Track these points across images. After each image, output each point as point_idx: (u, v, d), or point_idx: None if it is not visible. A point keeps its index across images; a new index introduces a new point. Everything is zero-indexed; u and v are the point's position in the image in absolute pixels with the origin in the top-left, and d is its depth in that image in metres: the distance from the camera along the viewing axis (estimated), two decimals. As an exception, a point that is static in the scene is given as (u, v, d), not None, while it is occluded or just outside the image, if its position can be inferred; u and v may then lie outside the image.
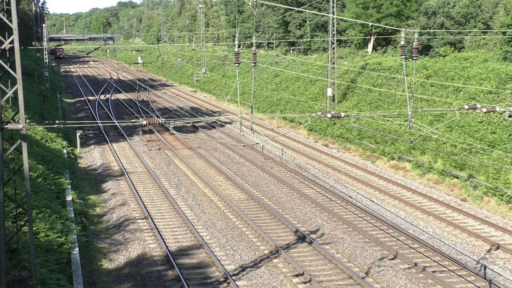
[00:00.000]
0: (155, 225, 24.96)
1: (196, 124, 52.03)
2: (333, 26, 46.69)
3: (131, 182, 32.17)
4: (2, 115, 13.85)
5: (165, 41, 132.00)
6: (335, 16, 46.18)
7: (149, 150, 41.71)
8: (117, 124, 40.62)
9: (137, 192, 30.05)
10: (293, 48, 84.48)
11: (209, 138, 46.64)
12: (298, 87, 58.47)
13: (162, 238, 23.34)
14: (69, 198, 26.25)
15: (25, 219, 18.00)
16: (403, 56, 23.14)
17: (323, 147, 42.13)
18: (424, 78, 41.27)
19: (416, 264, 20.74)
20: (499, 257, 21.97)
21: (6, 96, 14.04)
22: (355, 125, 25.54)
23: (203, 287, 19.21)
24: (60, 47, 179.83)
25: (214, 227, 25.10)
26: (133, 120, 15.83)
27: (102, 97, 77.03)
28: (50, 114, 52.30)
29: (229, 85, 74.00)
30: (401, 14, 63.66)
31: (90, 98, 75.49)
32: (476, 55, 45.63)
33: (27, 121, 34.52)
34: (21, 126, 13.75)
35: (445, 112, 35.49)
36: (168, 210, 27.49)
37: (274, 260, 21.37)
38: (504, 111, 18.89)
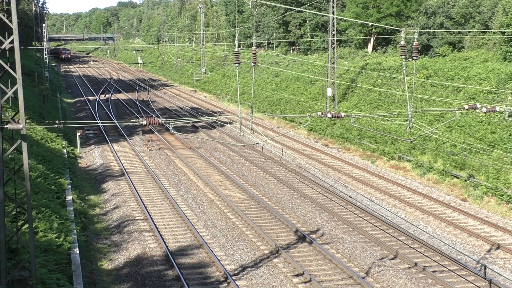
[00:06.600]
0: (155, 225, 24.96)
1: (196, 124, 52.03)
2: (333, 26, 46.69)
3: (131, 182, 32.17)
4: (2, 115, 13.85)
5: (165, 41, 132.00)
6: (335, 16, 46.16)
7: (149, 150, 41.71)
8: (117, 124, 40.56)
9: (137, 192, 30.05)
10: (293, 48, 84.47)
11: (209, 138, 46.63)
12: (298, 87, 58.45)
13: (162, 238, 23.34)
14: (69, 198, 26.26)
15: (24, 218, 18.01)
16: (403, 56, 23.13)
17: (323, 147, 42.12)
18: (424, 78, 41.25)
19: (416, 264, 20.74)
20: (499, 257, 21.97)
21: (6, 96, 14.05)
22: (355, 125, 25.50)
23: (203, 287, 19.22)
24: (66, 47, 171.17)
25: (214, 227, 25.10)
26: (133, 120, 15.84)
27: (102, 97, 77.02)
28: (50, 114, 52.29)
29: (229, 85, 73.98)
30: (401, 14, 63.67)
31: (90, 98, 75.49)
32: (476, 55, 45.62)
33: (27, 121, 34.55)
34: (21, 126, 13.75)
35: (445, 112, 35.47)
36: (168, 210, 27.49)
37: (274, 260, 21.38)
38: (504, 111, 18.89)
